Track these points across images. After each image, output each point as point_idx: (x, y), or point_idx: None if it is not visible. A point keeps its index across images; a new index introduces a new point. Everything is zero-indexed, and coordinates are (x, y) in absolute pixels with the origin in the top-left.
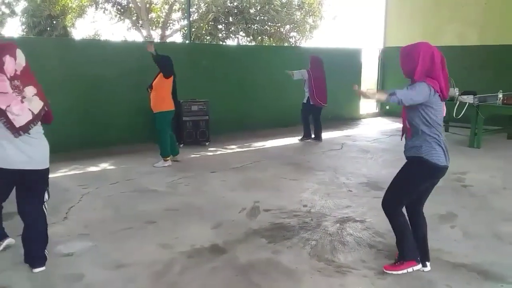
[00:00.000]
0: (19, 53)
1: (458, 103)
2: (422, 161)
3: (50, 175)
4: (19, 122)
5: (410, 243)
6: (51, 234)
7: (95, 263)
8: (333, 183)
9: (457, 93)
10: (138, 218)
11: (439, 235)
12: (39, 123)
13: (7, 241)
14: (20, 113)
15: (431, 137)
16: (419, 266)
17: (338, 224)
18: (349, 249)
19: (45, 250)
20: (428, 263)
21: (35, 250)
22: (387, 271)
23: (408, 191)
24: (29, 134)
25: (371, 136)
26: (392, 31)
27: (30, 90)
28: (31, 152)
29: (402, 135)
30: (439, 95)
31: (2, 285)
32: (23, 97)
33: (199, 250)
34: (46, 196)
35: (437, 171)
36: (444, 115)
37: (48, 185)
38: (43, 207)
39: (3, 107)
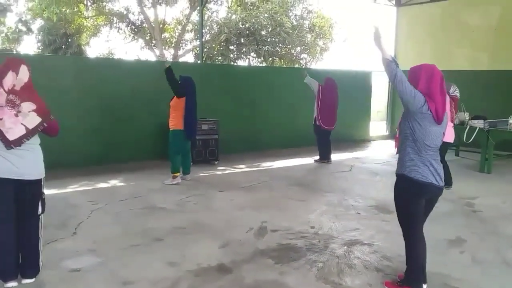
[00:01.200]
0: (23, 69)
1: (468, 127)
2: (404, 177)
3: (61, 191)
4: (12, 135)
5: (419, 273)
6: (59, 249)
7: (102, 279)
8: (341, 205)
9: (468, 118)
10: (146, 235)
11: (447, 260)
12: (36, 135)
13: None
14: (13, 127)
15: (415, 155)
16: None
17: (345, 247)
18: (356, 272)
19: (40, 263)
20: (424, 286)
21: (26, 261)
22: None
23: (408, 211)
24: (20, 147)
25: (381, 159)
26: (402, 54)
27: (27, 106)
28: (20, 163)
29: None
30: (433, 116)
31: None
32: (18, 112)
33: (206, 269)
34: (39, 209)
35: (422, 187)
36: (451, 141)
37: (42, 198)
38: (39, 221)
39: None
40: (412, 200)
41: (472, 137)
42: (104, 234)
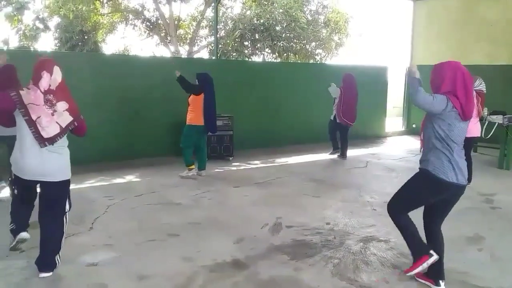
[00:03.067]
0: (56, 69)
1: (487, 123)
2: (428, 174)
3: (78, 186)
4: (47, 133)
5: (417, 240)
6: (76, 244)
7: (119, 274)
8: (357, 201)
9: (486, 113)
10: (161, 231)
11: (466, 258)
12: (65, 136)
13: (21, 235)
14: (48, 125)
15: (441, 152)
16: (435, 257)
17: (361, 243)
18: (373, 269)
19: (56, 258)
20: (442, 282)
21: (44, 256)
22: (408, 274)
23: (412, 199)
24: (53, 145)
25: (397, 155)
26: (419, 49)
27: (61, 105)
28: (47, 165)
29: (420, 146)
30: (459, 114)
31: None
32: (54, 111)
33: (221, 264)
34: (67, 206)
35: (443, 187)
36: (478, 135)
37: (68, 196)
38: (63, 217)
39: (34, 118)
40: (427, 196)
41: (491, 133)
42: (120, 229)
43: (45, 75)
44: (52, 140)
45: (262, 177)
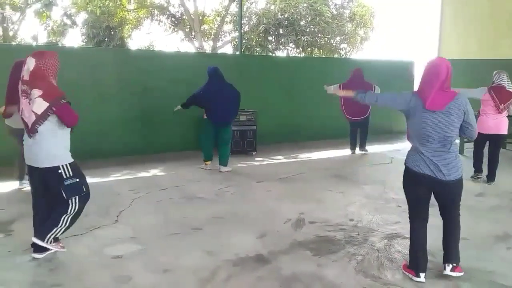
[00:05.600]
0: (29, 59)
1: None
2: (405, 167)
3: (104, 179)
4: (28, 124)
5: (413, 255)
6: (101, 236)
7: (143, 266)
8: (382, 198)
9: None
10: (185, 224)
11: (493, 257)
12: (54, 122)
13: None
14: (28, 115)
15: (414, 147)
16: (419, 280)
17: (386, 240)
18: (397, 266)
19: (49, 238)
20: (422, 274)
21: (39, 233)
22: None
23: (408, 197)
24: (37, 133)
25: None
26: (447, 43)
27: (34, 93)
28: (35, 151)
29: None
30: (423, 104)
31: (54, 284)
32: (30, 99)
33: (244, 259)
34: (83, 188)
35: (417, 177)
36: (505, 132)
37: (64, 185)
38: (63, 205)
39: (20, 111)
40: (407, 188)
41: None
42: (144, 222)
43: (23, 69)
44: (33, 130)
45: (285, 172)
